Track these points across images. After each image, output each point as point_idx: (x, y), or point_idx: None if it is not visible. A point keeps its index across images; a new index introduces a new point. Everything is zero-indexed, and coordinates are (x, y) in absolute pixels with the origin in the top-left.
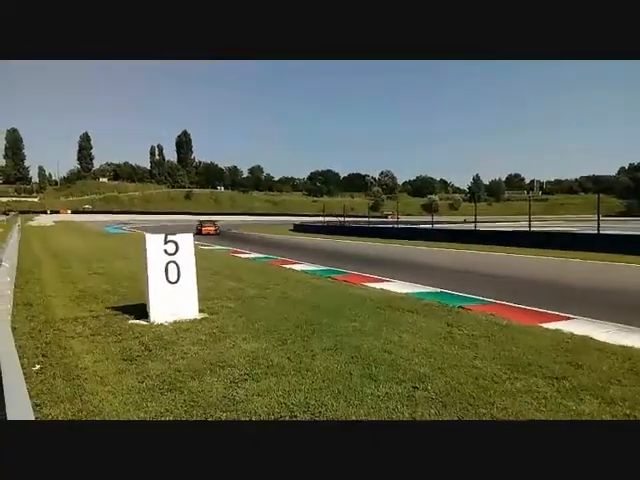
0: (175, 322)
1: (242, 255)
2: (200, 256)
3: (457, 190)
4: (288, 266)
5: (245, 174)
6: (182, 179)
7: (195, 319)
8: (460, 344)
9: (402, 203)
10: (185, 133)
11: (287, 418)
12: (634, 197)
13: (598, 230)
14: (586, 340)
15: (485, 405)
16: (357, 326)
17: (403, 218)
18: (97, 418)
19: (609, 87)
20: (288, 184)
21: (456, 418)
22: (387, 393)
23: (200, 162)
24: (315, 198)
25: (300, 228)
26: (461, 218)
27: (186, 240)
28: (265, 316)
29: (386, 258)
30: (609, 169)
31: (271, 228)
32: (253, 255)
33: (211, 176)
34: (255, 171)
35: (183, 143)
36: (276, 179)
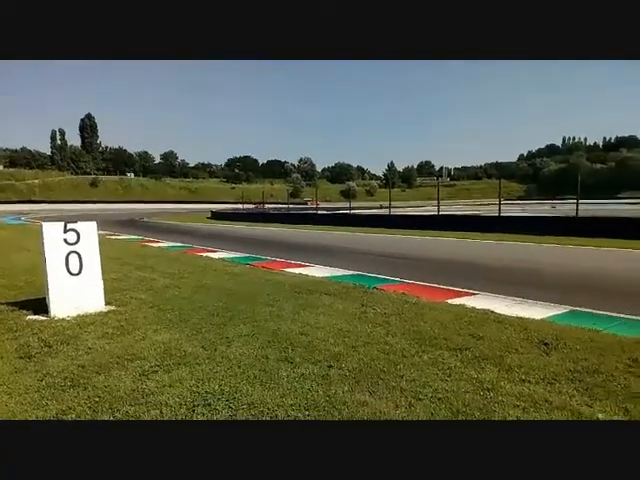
0: (79, 316)
1: (155, 244)
2: (107, 246)
3: (373, 177)
4: (205, 254)
5: (157, 160)
6: (87, 165)
7: (101, 312)
8: (373, 322)
9: (321, 189)
10: (89, 116)
11: (274, 417)
12: (532, 182)
13: (499, 213)
14: (487, 313)
15: (395, 378)
16: (274, 311)
17: (323, 204)
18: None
19: (511, 82)
20: (204, 171)
21: (454, 418)
22: (303, 374)
23: (107, 147)
24: (233, 185)
25: (218, 216)
26: (377, 203)
27: (88, 228)
28: (179, 306)
29: (306, 243)
30: (510, 156)
31: (187, 216)
32: (167, 244)
33: (120, 162)
34: (168, 157)
35: (87, 127)
36: (191, 165)
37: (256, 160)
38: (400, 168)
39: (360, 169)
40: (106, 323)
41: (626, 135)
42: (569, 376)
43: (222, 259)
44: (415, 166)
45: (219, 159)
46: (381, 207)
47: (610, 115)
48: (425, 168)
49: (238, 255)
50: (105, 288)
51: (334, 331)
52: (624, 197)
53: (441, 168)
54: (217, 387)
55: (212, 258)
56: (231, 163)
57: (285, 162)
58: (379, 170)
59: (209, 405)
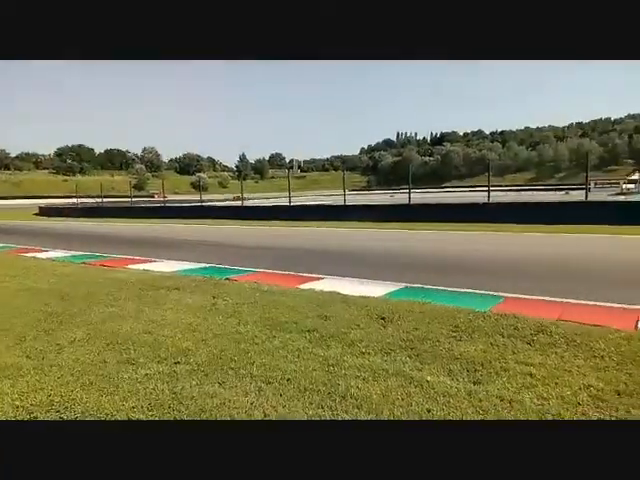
0: None
1: None
2: None
3: (225, 168)
4: (30, 254)
5: None
6: None
7: None
8: (225, 314)
9: (170, 181)
10: None
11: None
12: (372, 173)
13: (344, 202)
14: (333, 295)
15: (245, 366)
16: (115, 311)
17: (171, 197)
18: None
19: (357, 81)
20: (29, 161)
21: (454, 418)
22: (147, 374)
23: None
24: (66, 177)
25: (48, 212)
26: (231, 195)
27: None
28: None
29: (152, 237)
30: (353, 149)
31: (10, 213)
32: None
33: None
34: None
35: None
36: (13, 155)
37: (92, 149)
38: (252, 160)
39: (211, 160)
40: None
41: (449, 131)
42: (402, 345)
43: (51, 259)
44: (267, 158)
45: (47, 148)
46: (234, 199)
47: (437, 113)
48: (276, 160)
49: (72, 254)
50: None
51: (182, 326)
52: (448, 186)
53: (291, 160)
54: (45, 398)
55: (39, 258)
56: (62, 152)
57: (127, 151)
58: (231, 162)
59: (35, 419)
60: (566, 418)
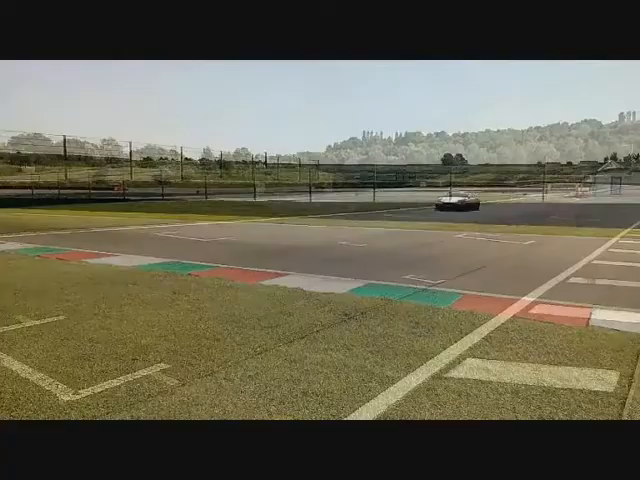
0: None
1: None
2: None
3: (189, 161)
4: None
5: None
6: None
7: None
8: (186, 310)
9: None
10: None
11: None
12: (338, 171)
13: (310, 199)
14: (296, 291)
15: (206, 362)
16: (70, 306)
17: (133, 189)
18: None
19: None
20: None
21: (454, 418)
22: (103, 371)
23: None
24: (20, 167)
25: (1, 203)
26: (194, 189)
27: None
28: None
29: (110, 231)
30: (319, 147)
31: None
32: None
33: None
34: None
35: None
36: None
37: (48, 139)
38: (216, 154)
39: (174, 153)
40: None
41: (413, 131)
42: (364, 341)
43: (5, 251)
44: (232, 152)
45: (1, 137)
46: (198, 193)
47: (401, 113)
48: (242, 155)
49: (26, 246)
50: None
51: (141, 323)
52: (412, 185)
53: (257, 155)
54: None
55: None
56: (17, 142)
57: (85, 142)
58: (195, 155)
59: (36, 419)
60: (564, 419)
